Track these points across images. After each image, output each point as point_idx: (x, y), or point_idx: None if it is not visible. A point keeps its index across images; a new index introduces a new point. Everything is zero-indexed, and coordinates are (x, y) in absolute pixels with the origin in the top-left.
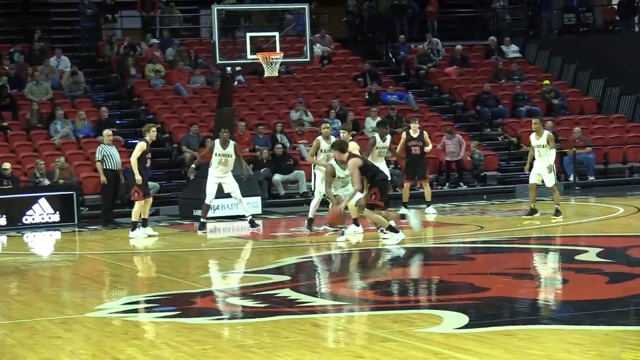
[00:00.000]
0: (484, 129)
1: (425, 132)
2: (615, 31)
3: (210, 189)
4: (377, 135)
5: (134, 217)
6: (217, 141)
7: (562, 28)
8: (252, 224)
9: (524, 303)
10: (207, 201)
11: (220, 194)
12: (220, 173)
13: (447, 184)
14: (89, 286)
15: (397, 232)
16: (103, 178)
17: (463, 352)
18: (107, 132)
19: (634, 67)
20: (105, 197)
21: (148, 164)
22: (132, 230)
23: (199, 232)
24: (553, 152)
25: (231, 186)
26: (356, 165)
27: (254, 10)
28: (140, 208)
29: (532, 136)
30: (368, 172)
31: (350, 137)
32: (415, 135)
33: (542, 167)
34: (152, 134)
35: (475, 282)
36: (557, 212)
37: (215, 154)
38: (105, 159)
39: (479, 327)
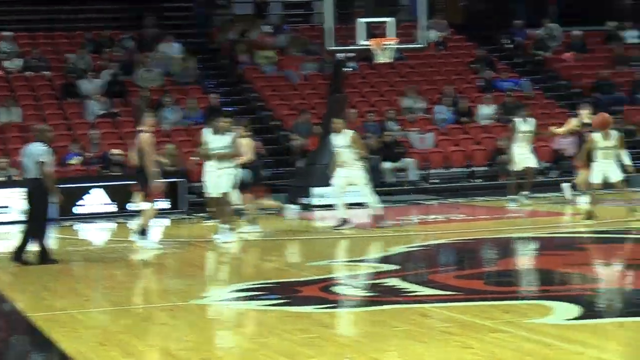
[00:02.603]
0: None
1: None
2: None
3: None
4: (518, 119)
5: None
6: None
7: None
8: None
9: (638, 294)
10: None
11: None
12: None
13: (558, 172)
14: (195, 274)
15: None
16: None
17: (574, 343)
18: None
19: None
20: None
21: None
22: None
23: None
24: None
25: None
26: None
27: None
28: None
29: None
30: None
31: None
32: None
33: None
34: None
35: (587, 273)
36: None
37: None
38: None
39: (591, 319)
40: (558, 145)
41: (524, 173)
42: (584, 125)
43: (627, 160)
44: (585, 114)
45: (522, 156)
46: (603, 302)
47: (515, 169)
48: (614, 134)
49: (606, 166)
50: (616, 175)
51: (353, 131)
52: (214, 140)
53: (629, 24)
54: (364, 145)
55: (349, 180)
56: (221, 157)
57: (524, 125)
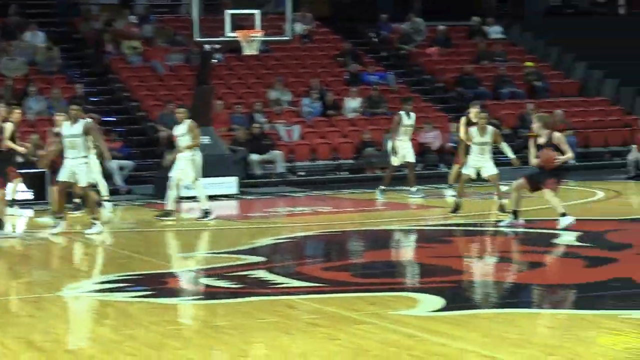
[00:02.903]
0: (464, 111)
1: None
2: (600, 14)
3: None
4: (402, 112)
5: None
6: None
7: (547, 10)
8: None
9: (501, 286)
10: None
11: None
12: None
13: (423, 165)
14: (61, 265)
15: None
16: None
17: (438, 335)
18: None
19: (617, 50)
20: None
21: None
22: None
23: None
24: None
25: None
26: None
27: None
28: None
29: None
30: None
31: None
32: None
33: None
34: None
35: (452, 265)
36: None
37: None
38: None
39: (455, 310)
40: (424, 139)
41: (406, 167)
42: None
43: (510, 154)
44: (474, 113)
45: (405, 150)
46: (467, 294)
47: (395, 163)
48: (490, 129)
49: (480, 161)
50: (490, 170)
51: (191, 120)
52: (65, 128)
53: (492, 20)
54: (198, 135)
55: (182, 174)
56: (72, 146)
57: (407, 119)
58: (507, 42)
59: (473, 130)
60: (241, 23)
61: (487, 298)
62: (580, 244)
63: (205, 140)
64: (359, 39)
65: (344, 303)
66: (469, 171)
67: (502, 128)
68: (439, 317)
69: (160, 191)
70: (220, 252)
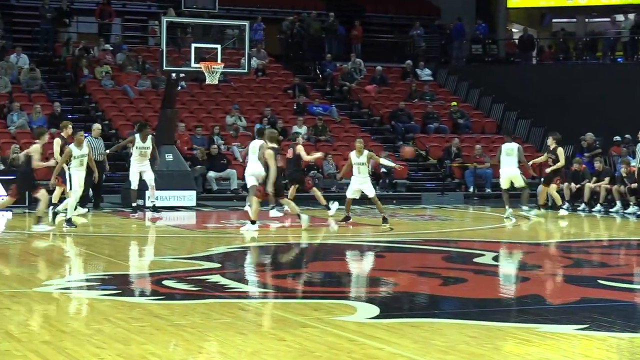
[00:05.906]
0: (397, 142)
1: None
2: (515, 62)
3: (134, 177)
4: (137, 135)
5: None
6: (137, 135)
7: (470, 57)
8: (155, 210)
9: (429, 298)
10: (133, 187)
11: (159, 186)
12: (139, 163)
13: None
14: (37, 263)
15: None
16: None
17: (375, 340)
18: (96, 126)
19: (530, 94)
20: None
21: None
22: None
23: (132, 216)
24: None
25: (149, 174)
26: None
27: (199, 23)
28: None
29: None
30: None
31: None
32: None
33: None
34: (68, 130)
35: (386, 278)
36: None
37: (136, 147)
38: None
39: (389, 318)
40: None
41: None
42: None
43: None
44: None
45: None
46: (398, 304)
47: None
48: (366, 152)
49: (361, 181)
50: (370, 190)
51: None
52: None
53: (422, 64)
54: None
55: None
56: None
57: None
58: (435, 83)
59: (352, 153)
60: (204, 55)
61: (416, 308)
62: (497, 263)
63: (169, 157)
64: (307, 74)
65: (290, 308)
66: (350, 193)
67: (429, 158)
68: (375, 323)
69: (127, 200)
70: (179, 257)
